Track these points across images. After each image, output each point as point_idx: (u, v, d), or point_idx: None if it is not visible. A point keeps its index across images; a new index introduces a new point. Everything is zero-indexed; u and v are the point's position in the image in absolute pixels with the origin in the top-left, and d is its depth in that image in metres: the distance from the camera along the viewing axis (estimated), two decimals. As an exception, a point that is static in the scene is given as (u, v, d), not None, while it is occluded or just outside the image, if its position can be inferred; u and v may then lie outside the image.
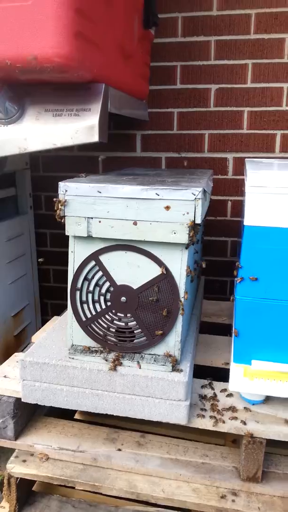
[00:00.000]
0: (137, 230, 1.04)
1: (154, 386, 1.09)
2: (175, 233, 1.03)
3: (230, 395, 1.22)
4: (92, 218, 1.06)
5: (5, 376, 1.28)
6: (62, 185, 1.06)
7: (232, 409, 1.16)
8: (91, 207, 1.05)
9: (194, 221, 1.01)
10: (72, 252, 1.12)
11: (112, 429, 1.29)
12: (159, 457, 1.18)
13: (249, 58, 1.85)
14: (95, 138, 1.22)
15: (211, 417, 1.13)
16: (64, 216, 1.08)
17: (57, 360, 1.14)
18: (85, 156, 2.05)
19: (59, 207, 1.07)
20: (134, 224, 1.04)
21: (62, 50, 1.05)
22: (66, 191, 1.06)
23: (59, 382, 1.14)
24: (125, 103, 1.50)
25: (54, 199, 1.07)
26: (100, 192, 1.04)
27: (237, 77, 1.89)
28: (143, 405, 1.10)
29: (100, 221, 1.06)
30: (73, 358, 1.15)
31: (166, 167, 2.02)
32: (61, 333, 1.31)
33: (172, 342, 1.13)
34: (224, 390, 1.24)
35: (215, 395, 1.22)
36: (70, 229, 1.08)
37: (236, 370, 1.12)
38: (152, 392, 1.10)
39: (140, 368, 1.11)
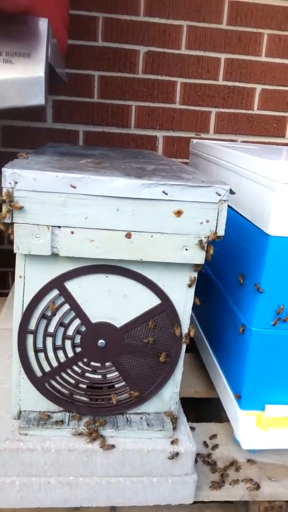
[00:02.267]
0: (131, 245, 0.70)
1: (152, 462, 0.78)
2: (186, 249, 0.71)
3: (220, 444, 0.97)
4: (59, 227, 0.68)
5: None
6: (10, 173, 0.65)
7: (235, 464, 0.91)
8: (59, 210, 0.67)
9: (216, 232, 0.71)
10: (21, 277, 0.72)
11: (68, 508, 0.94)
12: None
13: (184, 19, 1.56)
14: (39, 99, 0.81)
15: (214, 483, 0.87)
16: (12, 224, 0.67)
17: (2, 441, 0.74)
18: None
19: (6, 209, 0.65)
20: (127, 236, 0.69)
21: None
22: (16, 183, 0.65)
23: (8, 472, 0.75)
24: (57, 55, 1.09)
25: (-4, 198, 0.66)
26: (74, 188, 0.66)
27: (170, 40, 1.59)
28: (135, 489, 0.79)
29: (73, 232, 0.68)
30: (26, 434, 0.76)
31: (84, 143, 1.64)
32: (-11, 388, 0.89)
33: (168, 395, 0.82)
34: (214, 436, 0.99)
35: (206, 446, 0.96)
36: (22, 244, 0.68)
37: (245, 420, 0.87)
38: (148, 471, 0.78)
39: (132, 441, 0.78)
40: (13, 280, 1.72)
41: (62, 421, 0.77)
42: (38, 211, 0.66)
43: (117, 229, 0.69)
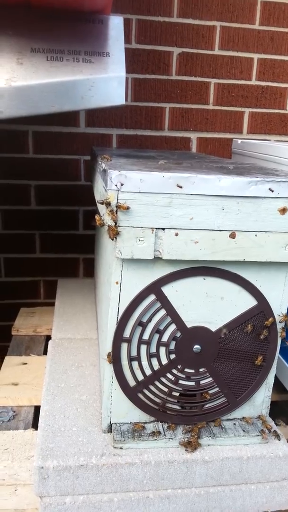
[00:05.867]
0: (235, 246, 0.67)
1: (250, 468, 0.75)
2: (289, 247, 0.69)
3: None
4: (163, 229, 0.65)
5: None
6: (116, 175, 0.62)
7: None
8: (164, 212, 0.64)
9: None
10: (117, 283, 0.69)
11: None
12: None
13: (218, 19, 1.55)
14: (120, 99, 0.79)
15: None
16: (117, 227, 0.64)
17: (98, 457, 0.71)
18: (4, 130, 1.51)
19: (114, 213, 0.63)
20: (231, 236, 0.67)
21: None
22: (122, 185, 0.62)
23: (105, 489, 0.72)
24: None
25: (100, 201, 0.63)
26: (181, 188, 0.64)
27: (204, 41, 1.57)
28: (233, 497, 0.76)
29: (177, 234, 0.66)
30: (121, 448, 0.73)
31: (117, 147, 1.62)
32: (68, 398, 0.86)
33: (260, 399, 0.80)
34: None
35: None
36: (125, 249, 0.65)
37: None
38: (247, 478, 0.76)
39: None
40: (45, 289, 1.68)
41: (159, 432, 0.74)
42: (143, 213, 0.64)
43: (222, 229, 0.66)
